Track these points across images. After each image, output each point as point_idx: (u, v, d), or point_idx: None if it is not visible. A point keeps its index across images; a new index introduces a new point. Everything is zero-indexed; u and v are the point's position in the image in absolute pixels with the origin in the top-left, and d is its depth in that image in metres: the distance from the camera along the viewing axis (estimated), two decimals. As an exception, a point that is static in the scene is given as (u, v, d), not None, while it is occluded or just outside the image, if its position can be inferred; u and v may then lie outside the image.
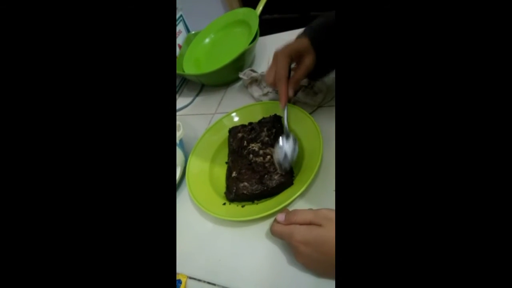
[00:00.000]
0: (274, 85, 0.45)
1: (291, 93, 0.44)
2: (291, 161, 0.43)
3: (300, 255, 0.32)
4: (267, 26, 0.78)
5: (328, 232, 0.30)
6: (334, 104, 0.52)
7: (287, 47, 0.45)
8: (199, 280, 0.38)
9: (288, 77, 0.45)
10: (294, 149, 0.43)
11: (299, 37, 0.46)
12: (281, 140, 0.44)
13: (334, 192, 0.40)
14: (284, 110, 0.45)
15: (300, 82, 0.46)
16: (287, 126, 0.45)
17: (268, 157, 0.45)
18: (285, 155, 0.43)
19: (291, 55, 0.44)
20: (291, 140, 0.43)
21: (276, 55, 0.45)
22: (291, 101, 0.51)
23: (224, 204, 0.44)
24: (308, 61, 0.44)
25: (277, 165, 0.43)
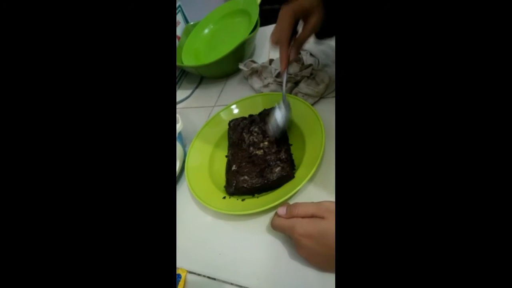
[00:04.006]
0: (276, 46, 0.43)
1: (292, 56, 0.43)
2: (282, 130, 0.45)
3: (302, 248, 0.32)
4: (268, 17, 0.76)
5: (331, 225, 0.30)
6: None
7: (293, 3, 0.40)
8: (199, 275, 0.38)
9: (293, 36, 0.43)
10: (285, 118, 0.45)
11: None
12: (275, 109, 0.45)
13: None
14: (284, 74, 0.44)
15: (304, 43, 0.44)
16: (284, 94, 0.45)
17: (269, 149, 0.44)
18: (277, 125, 0.44)
19: (295, 13, 0.41)
20: (283, 109, 0.45)
21: (281, 13, 0.42)
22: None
23: (224, 197, 0.43)
24: (314, 20, 0.40)
25: (270, 131, 0.45)
